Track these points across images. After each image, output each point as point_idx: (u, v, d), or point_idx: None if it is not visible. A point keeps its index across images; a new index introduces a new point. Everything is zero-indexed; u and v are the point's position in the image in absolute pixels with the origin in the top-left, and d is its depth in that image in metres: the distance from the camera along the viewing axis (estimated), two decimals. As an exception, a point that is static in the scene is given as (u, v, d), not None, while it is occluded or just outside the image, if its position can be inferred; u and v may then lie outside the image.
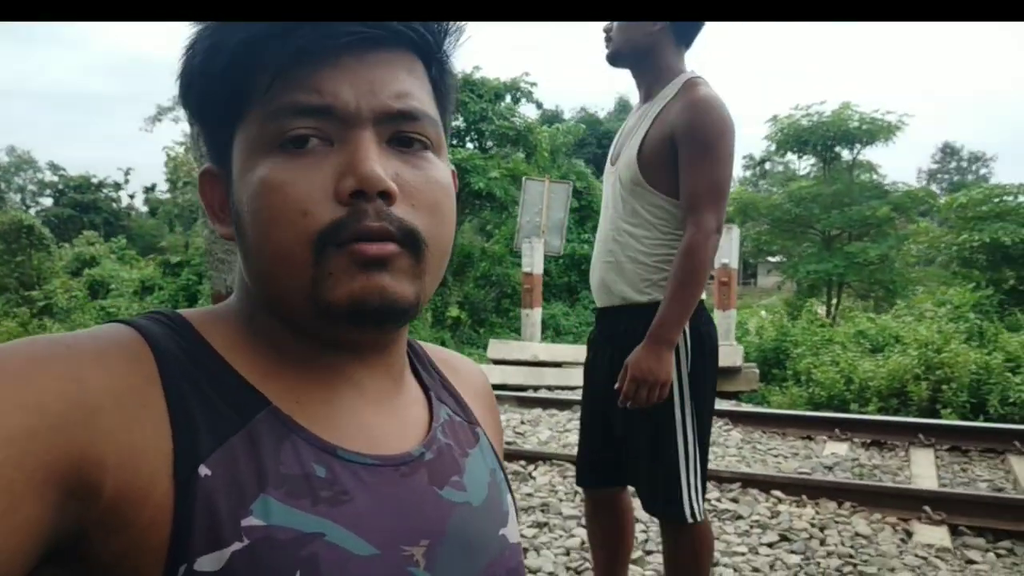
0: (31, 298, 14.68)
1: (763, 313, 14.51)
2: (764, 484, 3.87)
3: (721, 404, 5.94)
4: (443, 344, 12.29)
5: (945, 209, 13.08)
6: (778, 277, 22.27)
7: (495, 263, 16.90)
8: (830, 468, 4.46)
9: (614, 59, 1.97)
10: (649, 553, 3.23)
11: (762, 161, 35.38)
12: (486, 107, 16.31)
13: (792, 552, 3.21)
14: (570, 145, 22.51)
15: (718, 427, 5.13)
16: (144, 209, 52.32)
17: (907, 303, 11.05)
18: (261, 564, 0.47)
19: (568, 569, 3.09)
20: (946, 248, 11.63)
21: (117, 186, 47.87)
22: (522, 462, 4.40)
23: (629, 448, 1.95)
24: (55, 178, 45.69)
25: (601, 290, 2.00)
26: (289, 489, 0.50)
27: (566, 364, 8.34)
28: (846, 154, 17.58)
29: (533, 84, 17.01)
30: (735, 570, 3.03)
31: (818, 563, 3.11)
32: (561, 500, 3.82)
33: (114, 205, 46.47)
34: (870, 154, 18.52)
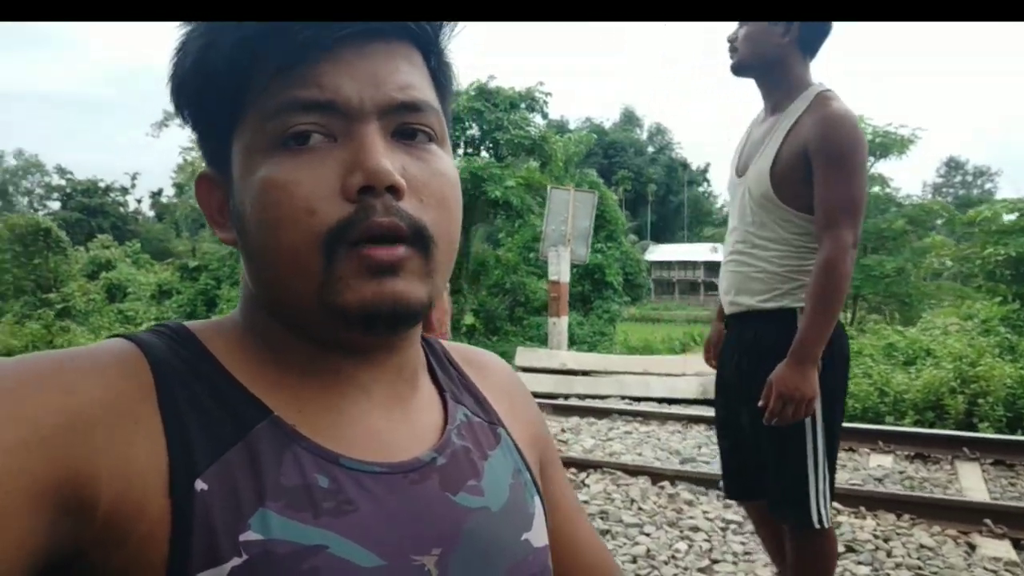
0: (49, 300, 14.70)
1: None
2: (820, 495, 3.87)
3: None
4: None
5: (964, 222, 13.09)
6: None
7: (509, 271, 16.92)
8: (880, 480, 4.46)
9: (739, 69, 1.97)
10: (716, 562, 3.23)
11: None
12: (501, 116, 16.38)
13: (860, 563, 3.20)
14: (581, 155, 22.59)
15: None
16: (151, 214, 52.38)
17: (930, 316, 11.03)
18: None
19: (638, 577, 3.09)
20: (970, 262, 11.64)
21: (124, 190, 48.01)
22: (573, 470, 4.41)
23: (760, 454, 1.96)
24: (62, 182, 45.79)
25: (729, 298, 2.02)
26: (289, 501, 0.48)
27: (593, 373, 8.34)
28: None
29: (548, 94, 17.09)
30: (807, 580, 3.03)
31: (888, 574, 3.12)
32: (619, 508, 3.82)
33: (121, 209, 46.60)
34: (881, 167, 18.58)
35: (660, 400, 7.16)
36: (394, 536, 0.51)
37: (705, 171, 71.70)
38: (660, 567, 3.17)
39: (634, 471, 4.36)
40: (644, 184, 61.94)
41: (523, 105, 17.00)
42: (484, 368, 0.72)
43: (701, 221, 60.42)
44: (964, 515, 3.62)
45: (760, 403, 1.80)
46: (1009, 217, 10.83)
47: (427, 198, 0.53)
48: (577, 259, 9.45)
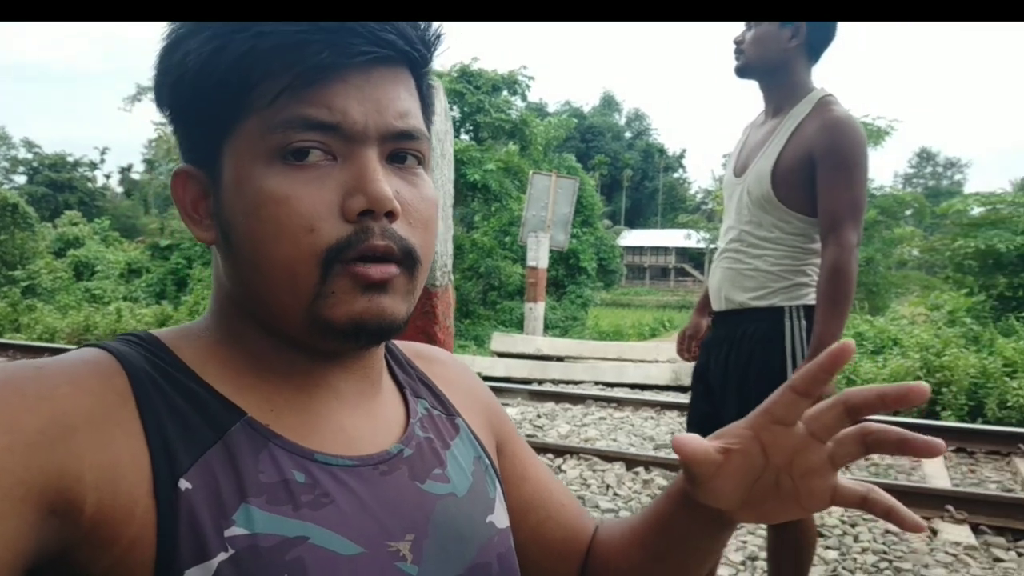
0: (14, 278, 14.39)
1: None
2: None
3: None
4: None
5: (937, 214, 13.32)
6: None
7: (484, 255, 16.86)
8: (847, 468, 4.58)
9: (743, 71, 1.99)
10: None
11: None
12: (483, 99, 16.28)
13: (828, 548, 3.30)
14: (560, 139, 22.54)
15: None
16: (119, 190, 51.28)
17: (898, 306, 11.25)
18: (248, 572, 0.48)
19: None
20: (939, 253, 11.89)
21: (93, 165, 46.90)
22: (549, 455, 4.46)
23: None
24: (29, 155, 44.62)
25: (721, 295, 2.05)
26: (270, 496, 0.51)
27: (568, 358, 8.42)
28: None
29: (531, 78, 17.01)
30: (776, 565, 3.12)
31: (854, 559, 3.22)
32: (595, 493, 3.88)
33: (89, 185, 45.53)
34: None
35: (633, 386, 7.25)
36: (369, 524, 0.54)
37: (681, 157, 72.03)
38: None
39: (610, 457, 4.43)
40: (620, 169, 62.08)
41: (505, 89, 16.92)
42: (434, 362, 0.75)
43: (676, 208, 60.75)
44: (927, 501, 3.74)
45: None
46: (979, 210, 11.09)
47: (415, 221, 0.56)
48: (556, 245, 9.49)
